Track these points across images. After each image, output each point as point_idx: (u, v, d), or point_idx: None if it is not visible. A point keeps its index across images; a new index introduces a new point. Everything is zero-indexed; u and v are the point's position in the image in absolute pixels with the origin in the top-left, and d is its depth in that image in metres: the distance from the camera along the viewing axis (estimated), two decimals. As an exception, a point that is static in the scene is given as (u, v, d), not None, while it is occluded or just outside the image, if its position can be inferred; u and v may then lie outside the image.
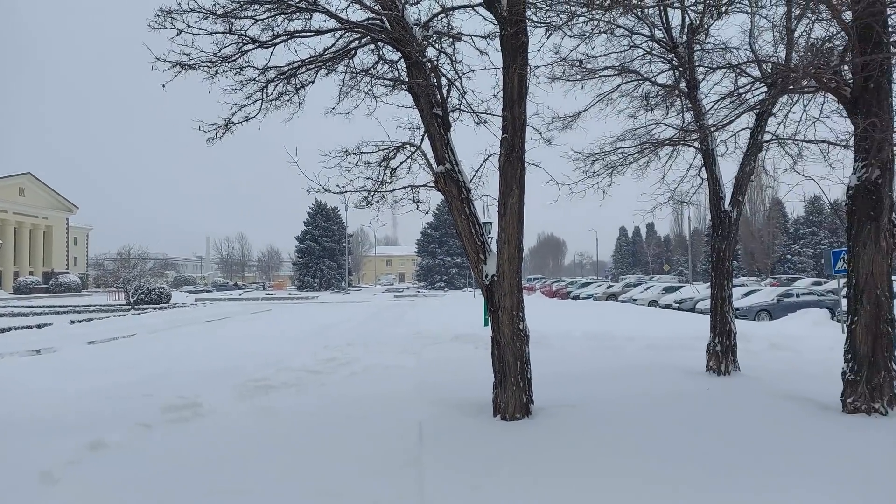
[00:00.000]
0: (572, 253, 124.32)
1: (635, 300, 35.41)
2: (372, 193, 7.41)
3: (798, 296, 25.19)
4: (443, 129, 6.76)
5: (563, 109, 9.34)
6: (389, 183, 7.38)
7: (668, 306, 31.28)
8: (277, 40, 6.73)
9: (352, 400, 7.77)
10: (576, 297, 43.32)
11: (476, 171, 7.29)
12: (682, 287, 35.92)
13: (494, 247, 6.75)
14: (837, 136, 8.38)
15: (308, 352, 12.28)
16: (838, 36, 6.90)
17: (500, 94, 6.65)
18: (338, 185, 7.42)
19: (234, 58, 6.76)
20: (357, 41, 7.01)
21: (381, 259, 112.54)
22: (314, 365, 10.58)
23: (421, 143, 7.29)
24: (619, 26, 8.68)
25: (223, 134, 7.25)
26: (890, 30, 6.46)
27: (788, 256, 65.04)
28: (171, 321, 23.82)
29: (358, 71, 7.56)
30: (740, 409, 6.83)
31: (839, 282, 16.15)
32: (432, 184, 6.84)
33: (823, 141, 8.59)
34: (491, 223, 17.96)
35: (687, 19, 8.74)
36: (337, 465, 5.12)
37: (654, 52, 9.25)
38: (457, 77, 7.45)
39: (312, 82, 7.41)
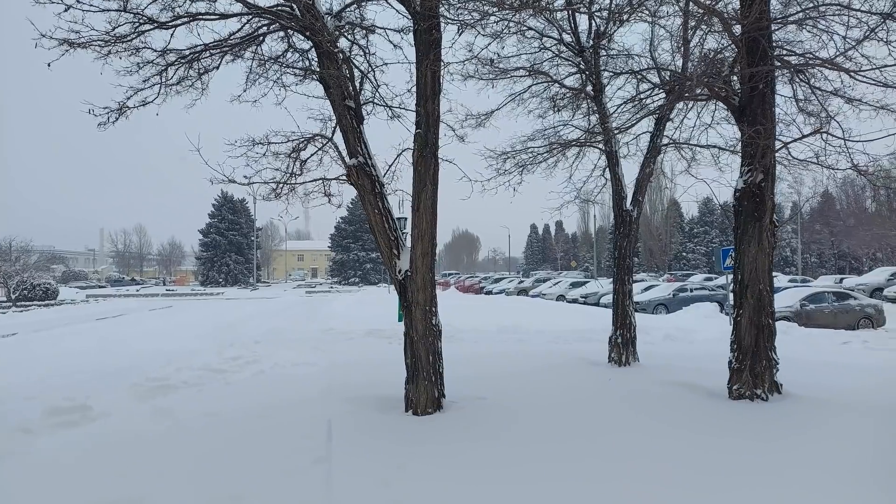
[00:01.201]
0: (486, 249, 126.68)
1: (544, 295, 36.61)
2: (281, 185, 7.16)
3: (692, 291, 27.01)
4: (355, 121, 6.65)
5: (476, 107, 9.49)
6: (299, 175, 7.17)
7: (574, 301, 32.61)
8: (178, 22, 6.35)
9: (258, 399, 7.50)
10: (489, 293, 44.24)
11: (390, 166, 7.23)
12: (587, 282, 37.55)
13: (409, 242, 6.73)
14: (727, 141, 9.04)
15: (212, 350, 11.74)
16: (729, 48, 7.42)
17: (414, 88, 6.63)
18: (245, 177, 7.13)
19: (129, 38, 6.31)
20: (265, 27, 6.75)
21: (293, 254, 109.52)
22: (218, 363, 10.13)
23: (333, 135, 7.14)
24: (530, 28, 8.90)
25: (117, 119, 6.76)
26: (774, 44, 7.02)
27: (684, 254, 69.47)
28: (59, 319, 22.03)
29: (266, 58, 7.28)
30: (638, 397, 7.21)
31: (727, 277, 17.44)
32: (344, 177, 6.71)
33: (714, 146, 9.23)
34: (405, 218, 17.95)
35: (594, 25, 9.10)
36: (241, 467, 4.92)
37: (562, 55, 9.56)
38: (370, 70, 7.35)
39: (217, 68, 7.05)
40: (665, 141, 9.71)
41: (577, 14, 8.84)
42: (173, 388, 8.16)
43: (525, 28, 8.61)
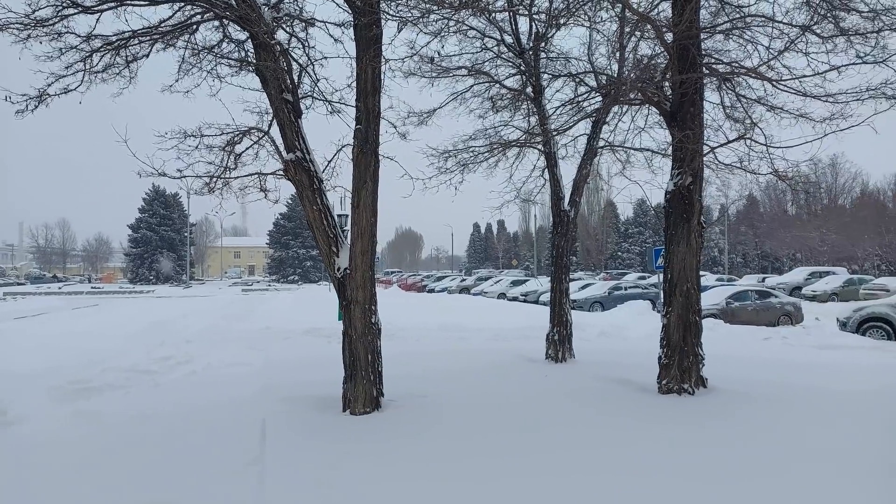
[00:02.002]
0: (429, 247, 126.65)
1: (486, 293, 37.00)
2: (214, 180, 6.93)
3: (626, 289, 27.91)
4: (293, 115, 6.51)
5: (418, 105, 9.48)
6: (234, 169, 6.95)
7: (514, 299, 33.11)
8: (104, 6, 6.04)
9: (189, 401, 7.24)
10: (431, 291, 44.30)
11: (329, 162, 7.12)
12: (527, 280, 38.20)
13: (349, 239, 6.64)
14: (659, 145, 9.38)
15: (140, 350, 11.23)
16: (661, 55, 7.70)
17: (355, 84, 6.54)
18: (179, 171, 6.87)
19: (51, 22, 5.96)
20: (199, 16, 6.50)
21: (229, 250, 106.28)
22: (147, 364, 9.71)
23: (269, 128, 6.96)
24: (471, 27, 8.96)
25: (36, 106, 6.38)
26: (703, 52, 7.33)
27: (619, 253, 71.71)
28: (-30, 319, 20.54)
29: (200, 48, 7.03)
30: (572, 392, 7.39)
31: (659, 276, 18.11)
32: (281, 172, 6.56)
33: (647, 149, 9.56)
34: (346, 215, 17.73)
35: (534, 27, 9.25)
36: (170, 471, 4.74)
37: (503, 55, 9.68)
38: (309, 63, 7.22)
39: (147, 56, 6.75)
40: (601, 143, 9.98)
41: (517, 16, 8.96)
42: (97, 391, 7.77)
43: (466, 28, 8.67)
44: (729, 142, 7.51)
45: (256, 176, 6.99)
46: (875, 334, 15.02)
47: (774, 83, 6.72)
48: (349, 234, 6.51)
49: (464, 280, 47.23)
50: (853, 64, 6.37)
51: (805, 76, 6.61)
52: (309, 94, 7.37)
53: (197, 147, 6.88)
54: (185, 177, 6.90)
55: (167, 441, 5.57)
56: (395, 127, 7.67)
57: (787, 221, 60.45)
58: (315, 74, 7.33)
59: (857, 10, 6.14)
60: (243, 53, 7.09)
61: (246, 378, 8.70)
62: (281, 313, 21.25)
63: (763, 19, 6.78)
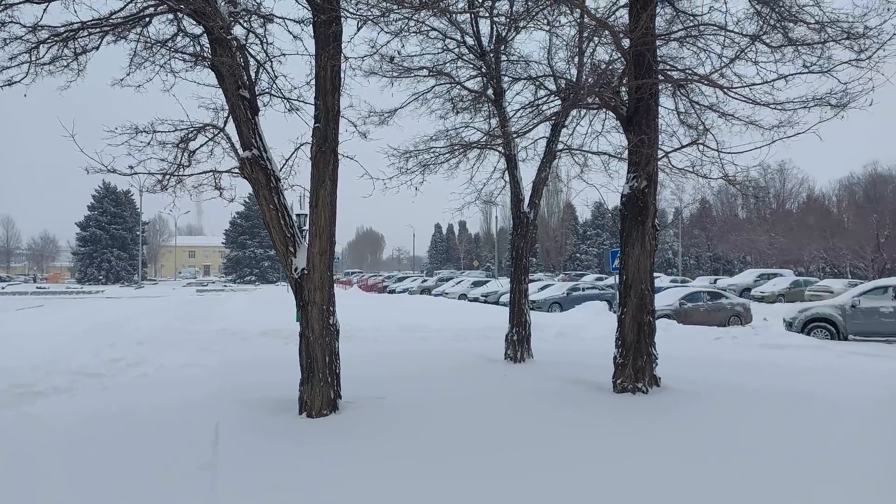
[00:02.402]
0: (391, 247, 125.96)
1: (447, 294, 37.05)
2: (167, 177, 6.74)
3: (584, 290, 28.38)
4: (250, 112, 6.38)
5: (379, 105, 9.40)
6: (188, 166, 6.77)
7: (475, 299, 33.26)
8: (51, -5, 5.80)
9: (140, 403, 7.01)
10: (392, 291, 44.11)
11: (287, 160, 7.01)
12: (488, 281, 38.44)
13: (307, 240, 6.55)
14: (615, 149, 9.56)
15: (89, 352, 10.81)
16: (618, 60, 7.85)
17: (314, 82, 6.46)
18: (130, 167, 6.66)
19: (-7, 11, 5.69)
20: (152, 8, 6.30)
21: (183, 250, 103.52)
22: (95, 366, 9.36)
23: (225, 125, 6.81)
24: (433, 28, 8.97)
25: (-25, 97, 6.07)
26: (659, 59, 7.51)
27: (578, 255, 72.87)
28: None
29: (153, 42, 6.81)
30: (531, 392, 7.47)
31: (615, 278, 18.46)
32: (237, 170, 6.42)
33: (605, 153, 9.74)
34: (305, 215, 17.50)
35: (495, 30, 9.31)
36: (118, 477, 4.57)
37: (464, 57, 9.72)
38: (267, 60, 7.08)
39: (96, 48, 6.51)
40: (560, 146, 10.11)
41: (478, 18, 9.01)
42: (42, 395, 7.46)
43: (428, 28, 8.66)
44: (682, 147, 7.71)
45: (211, 174, 6.83)
46: (819, 334, 15.66)
47: (726, 90, 6.93)
48: (307, 234, 6.42)
49: (425, 281, 47.21)
50: (800, 73, 6.62)
51: (755, 84, 6.84)
52: (267, 91, 7.24)
53: (149, 143, 6.68)
54: (136, 173, 6.70)
55: (115, 445, 5.38)
56: (355, 126, 7.60)
57: (737, 225, 62.53)
58: (273, 71, 7.20)
59: (804, 22, 6.39)
60: (198, 48, 6.90)
61: (200, 380, 8.49)
62: (237, 314, 20.81)
63: (715, 28, 6.98)
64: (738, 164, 7.62)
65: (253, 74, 6.72)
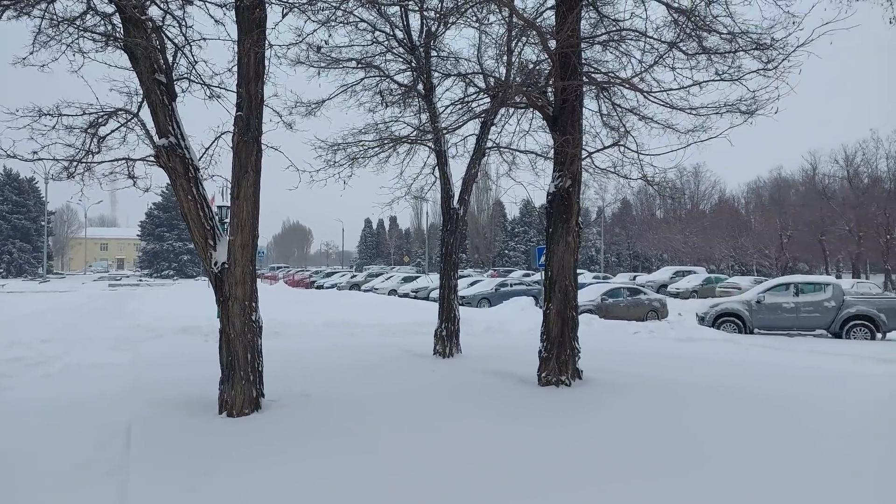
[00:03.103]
0: (319, 242, 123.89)
1: (377, 289, 36.76)
2: (75, 164, 6.30)
3: (512, 286, 28.92)
4: (167, 98, 6.06)
5: (307, 95, 9.19)
6: (98, 153, 6.36)
7: (406, 295, 33.18)
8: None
9: (44, 406, 6.54)
10: (320, 287, 43.31)
11: (206, 149, 6.71)
12: (418, 277, 38.45)
13: (228, 232, 6.29)
14: (542, 148, 9.76)
15: (-16, 352, 10.00)
16: (545, 61, 8.00)
17: (236, 68, 6.21)
18: (34, 153, 6.17)
19: None
20: (58, -19, 5.86)
21: (95, 242, 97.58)
22: (-9, 368, 8.66)
23: (139, 110, 6.43)
24: (362, 20, 8.84)
25: None
26: (584, 62, 7.72)
27: (506, 251, 74.19)
28: None
29: (60, 19, 6.33)
30: (458, 386, 7.53)
31: (541, 274, 18.90)
32: (153, 158, 6.09)
33: (532, 152, 9.93)
34: (226, 207, 16.85)
35: (425, 25, 9.28)
36: (18, 485, 4.24)
37: (394, 50, 9.63)
38: (186, 44, 6.74)
39: (-6, 22, 5.98)
40: (489, 144, 10.22)
41: (408, 11, 8.95)
42: (-74, 400, 6.81)
43: (356, 19, 8.53)
44: (605, 147, 7.98)
45: (124, 161, 6.44)
46: (728, 328, 16.67)
47: (646, 94, 7.21)
48: (228, 226, 6.17)
49: (354, 276, 46.65)
50: (713, 80, 6.98)
51: (672, 89, 7.16)
52: (185, 76, 6.90)
53: (54, 127, 6.21)
54: (40, 159, 6.22)
55: (12, 452, 4.99)
56: (280, 116, 7.37)
57: (655, 224, 65.60)
58: (193, 56, 6.87)
59: (717, 32, 6.74)
60: (110, 28, 6.48)
61: (112, 380, 8.02)
62: (153, 310, 19.80)
63: (636, 34, 7.25)
64: (656, 165, 7.97)
65: (170, 58, 6.38)
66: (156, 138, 6.03)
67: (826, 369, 9.29)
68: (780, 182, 58.17)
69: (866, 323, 15.41)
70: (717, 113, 7.18)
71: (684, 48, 6.88)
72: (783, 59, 6.36)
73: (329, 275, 49.70)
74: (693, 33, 6.77)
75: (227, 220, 6.32)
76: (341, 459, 4.73)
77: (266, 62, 6.18)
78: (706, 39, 6.86)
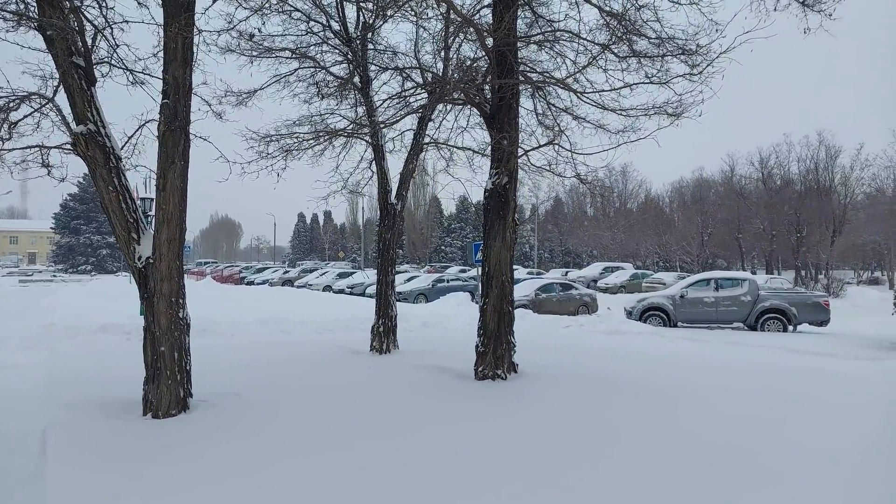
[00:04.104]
0: (249, 236, 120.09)
1: (311, 285, 36.09)
2: (-19, 151, 5.84)
3: (448, 281, 29.08)
4: (85, 82, 5.70)
5: (238, 84, 8.88)
6: (8, 140, 5.91)
7: (341, 291, 32.77)
8: None
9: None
10: (250, 283, 42.10)
11: (129, 138, 6.37)
12: (354, 273, 38.04)
13: (153, 226, 6.00)
14: (479, 145, 9.84)
15: None
16: (483, 59, 8.07)
17: (162, 54, 5.92)
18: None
19: None
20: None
21: (4, 235, 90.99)
22: None
23: (55, 95, 6.03)
24: (296, 9, 8.62)
25: None
26: (520, 60, 7.83)
27: (443, 247, 74.48)
28: None
29: (-36, -6, 5.85)
30: (396, 382, 7.50)
31: (478, 270, 19.11)
32: (70, 146, 5.72)
33: (469, 149, 9.99)
34: (151, 199, 16.08)
35: (361, 16, 9.15)
36: None
37: (330, 41, 9.44)
38: (107, 26, 6.36)
39: None
40: (427, 139, 10.21)
41: (344, 1, 8.80)
42: None
43: (290, 8, 8.30)
44: (540, 146, 8.14)
45: (38, 149, 6.02)
46: (654, 321, 17.40)
47: (579, 95, 7.40)
48: (153, 219, 5.89)
49: (287, 272, 45.57)
50: (642, 83, 7.25)
51: (604, 91, 7.39)
52: (106, 60, 6.52)
53: (-43, 111, 5.73)
54: (-60, 145, 5.73)
55: None
56: (209, 105, 7.08)
57: (586, 221, 67.62)
58: (114, 39, 6.49)
59: (646, 36, 7.00)
60: (22, 6, 6.03)
61: (23, 382, 7.52)
62: (70, 307, 18.63)
63: (570, 35, 7.42)
64: (588, 164, 8.20)
65: (90, 41, 6.01)
66: (73, 125, 5.67)
67: (742, 360, 9.86)
68: (701, 182, 61.14)
69: (779, 316, 16.45)
70: (645, 114, 7.45)
71: (616, 51, 7.10)
72: (707, 65, 6.67)
73: (260, 270, 48.36)
74: (624, 37, 7.00)
75: (152, 213, 6.03)
76: (274, 461, 4.61)
77: (195, 48, 5.93)
78: (636, 43, 7.11)
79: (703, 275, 18.72)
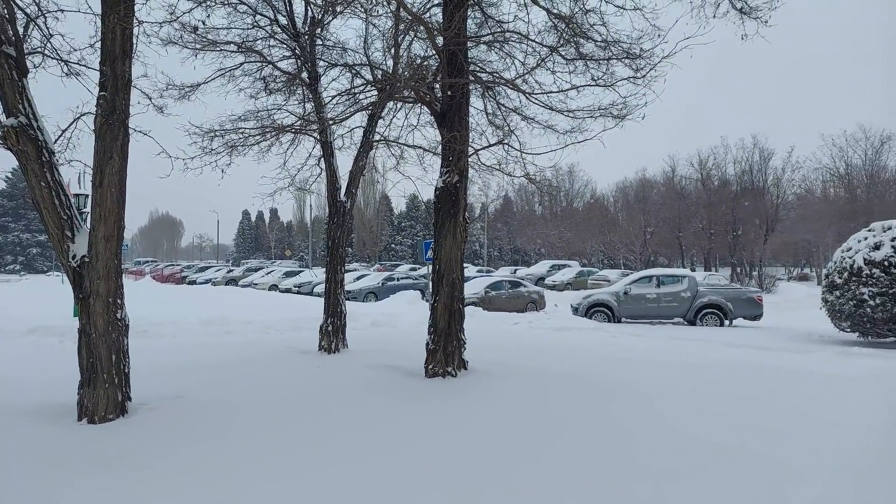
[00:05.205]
0: (191, 234, 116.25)
1: (256, 285, 35.31)
2: None
3: (399, 280, 29.00)
4: (16, 73, 5.40)
5: (181, 78, 8.59)
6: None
7: (288, 290, 32.17)
8: None
9: None
10: (193, 282, 40.83)
11: (63, 131, 6.08)
12: (302, 272, 37.43)
13: (89, 223, 5.74)
14: (430, 143, 9.85)
15: None
16: (433, 57, 8.08)
17: (100, 45, 5.67)
18: None
19: None
20: None
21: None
22: None
23: (-19, 85, 5.68)
24: (242, 2, 8.41)
25: None
26: (470, 60, 7.88)
27: (393, 245, 74.22)
28: None
29: None
30: (345, 382, 7.43)
31: (428, 268, 19.15)
32: (-2, 140, 5.41)
33: (420, 147, 9.99)
34: (87, 195, 15.36)
35: (310, 11, 9.01)
36: None
37: (277, 36, 9.26)
38: (40, 14, 6.06)
39: None
40: (377, 137, 10.15)
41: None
42: None
43: (236, 1, 8.09)
44: (490, 145, 8.21)
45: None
46: (599, 317, 17.86)
47: (527, 95, 7.51)
48: (89, 216, 5.63)
49: (231, 271, 44.42)
50: (589, 85, 7.41)
51: (552, 92, 7.51)
52: (39, 50, 6.20)
53: None
54: None
55: None
56: (149, 98, 6.84)
57: (534, 220, 68.70)
58: (48, 28, 6.18)
59: (593, 39, 7.16)
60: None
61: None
62: (-3, 310, 17.62)
63: (519, 36, 7.52)
64: (537, 164, 8.34)
65: (21, 29, 5.70)
66: (2, 117, 5.36)
67: (681, 354, 10.23)
68: (644, 182, 63.06)
69: (716, 311, 17.16)
70: (591, 116, 7.63)
71: (563, 53, 7.24)
72: (650, 69, 6.89)
73: (203, 269, 46.92)
74: (571, 39, 7.14)
75: (87, 210, 5.77)
76: (219, 466, 4.49)
77: (134, 40, 5.71)
78: (583, 46, 7.26)
79: (645, 272, 19.33)
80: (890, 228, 12.76)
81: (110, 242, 5.60)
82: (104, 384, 5.52)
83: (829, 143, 52.64)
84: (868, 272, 12.45)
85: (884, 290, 12.14)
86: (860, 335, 13.14)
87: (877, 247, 12.59)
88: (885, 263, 12.26)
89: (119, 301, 5.70)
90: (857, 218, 37.04)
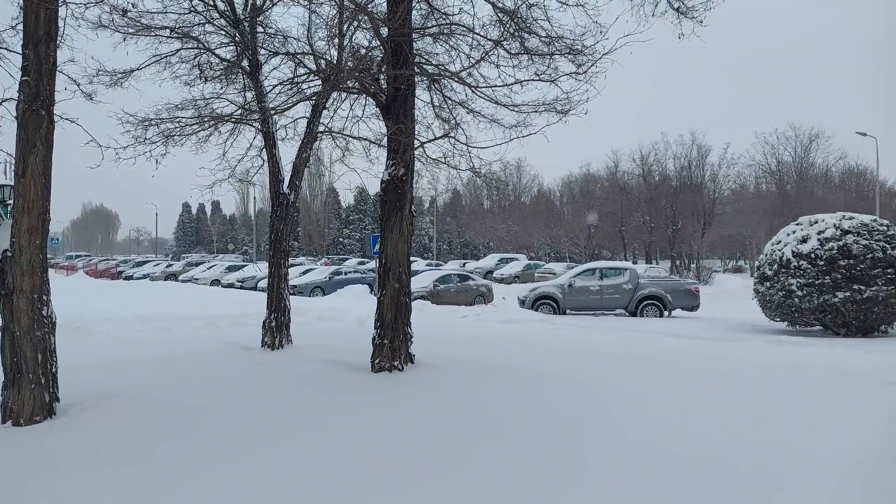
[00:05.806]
0: (128, 228, 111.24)
1: (197, 279, 34.24)
2: None
3: (346, 274, 28.73)
4: (-75, 52, 5.03)
5: (112, 64, 8.19)
6: None
7: (231, 285, 31.33)
8: None
9: None
10: (129, 277, 39.22)
11: (-18, 118, 5.70)
12: (245, 266, 36.51)
13: (11, 215, 5.42)
14: (376, 135, 9.74)
15: None
16: (378, 48, 7.99)
17: (21, 26, 5.34)
18: None
19: None
20: None
21: None
22: None
23: None
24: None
25: None
26: (415, 52, 7.83)
27: (341, 239, 73.34)
28: None
29: None
30: (288, 378, 7.31)
31: (376, 261, 19.01)
32: None
33: (365, 139, 9.85)
34: (9, 186, 14.50)
35: (250, -2, 8.76)
36: None
37: (216, 22, 8.95)
38: (-47, -10, 5.65)
39: None
40: (321, 128, 9.96)
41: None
42: None
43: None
44: (436, 138, 8.20)
45: None
46: (545, 309, 18.18)
47: (473, 89, 7.53)
48: (12, 208, 5.31)
49: (170, 265, 42.94)
50: (532, 80, 7.50)
51: (497, 86, 7.56)
52: (-48, 29, 5.79)
53: None
54: None
55: None
56: (77, 84, 6.50)
57: (482, 214, 69.25)
58: (-38, 6, 5.77)
59: (537, 34, 7.24)
60: None
61: None
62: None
63: (465, 29, 7.53)
64: (483, 157, 8.36)
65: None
66: None
67: (621, 345, 10.53)
68: (588, 177, 64.45)
69: (656, 303, 17.74)
70: (535, 111, 7.71)
71: (508, 47, 7.29)
72: (591, 65, 7.02)
73: (140, 264, 45.17)
74: (516, 34, 7.20)
75: (10, 201, 5.45)
76: (153, 469, 4.31)
77: (60, 22, 5.40)
78: (527, 40, 7.33)
79: (588, 265, 19.81)
80: (816, 222, 13.48)
81: (34, 236, 5.30)
82: (30, 385, 5.24)
83: (762, 141, 54.96)
84: (796, 264, 13.11)
85: (810, 281, 12.80)
86: (789, 324, 13.85)
87: (804, 240, 13.27)
88: (812, 256, 12.93)
89: (45, 297, 5.41)
90: (787, 212, 38.93)
